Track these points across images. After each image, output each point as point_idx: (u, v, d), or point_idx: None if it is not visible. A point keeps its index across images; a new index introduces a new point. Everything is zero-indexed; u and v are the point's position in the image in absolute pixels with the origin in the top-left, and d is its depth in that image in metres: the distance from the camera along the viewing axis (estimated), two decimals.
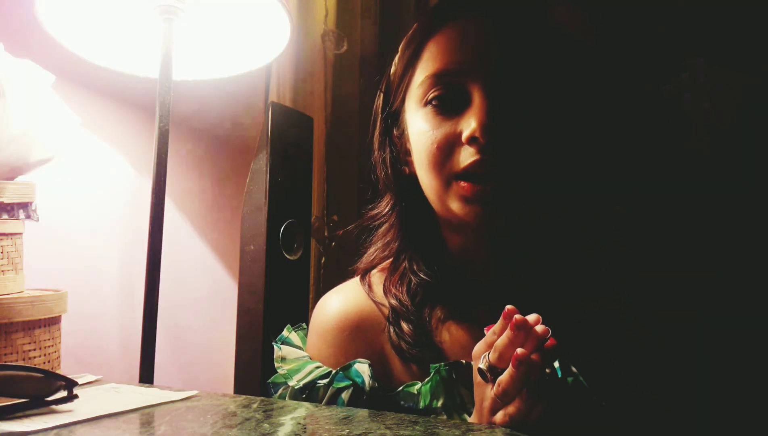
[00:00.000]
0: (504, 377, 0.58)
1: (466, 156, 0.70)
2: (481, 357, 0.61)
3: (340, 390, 0.71)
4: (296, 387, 0.73)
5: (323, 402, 0.71)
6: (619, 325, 0.78)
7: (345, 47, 1.32)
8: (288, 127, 1.14)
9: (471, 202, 0.70)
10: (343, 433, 0.55)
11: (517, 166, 0.71)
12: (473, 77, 0.71)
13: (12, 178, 0.82)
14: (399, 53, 0.80)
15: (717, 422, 0.91)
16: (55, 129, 0.84)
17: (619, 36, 1.15)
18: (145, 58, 1.06)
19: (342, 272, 0.89)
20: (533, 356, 0.56)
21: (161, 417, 0.61)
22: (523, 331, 0.57)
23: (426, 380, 0.71)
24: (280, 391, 0.75)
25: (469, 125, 0.69)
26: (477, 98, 0.70)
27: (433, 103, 0.73)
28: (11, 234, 0.80)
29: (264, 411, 0.63)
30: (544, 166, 0.74)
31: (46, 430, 0.55)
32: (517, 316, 0.58)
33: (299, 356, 0.78)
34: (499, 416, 0.59)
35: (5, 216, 0.79)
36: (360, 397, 0.70)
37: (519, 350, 0.56)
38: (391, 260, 0.81)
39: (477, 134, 0.68)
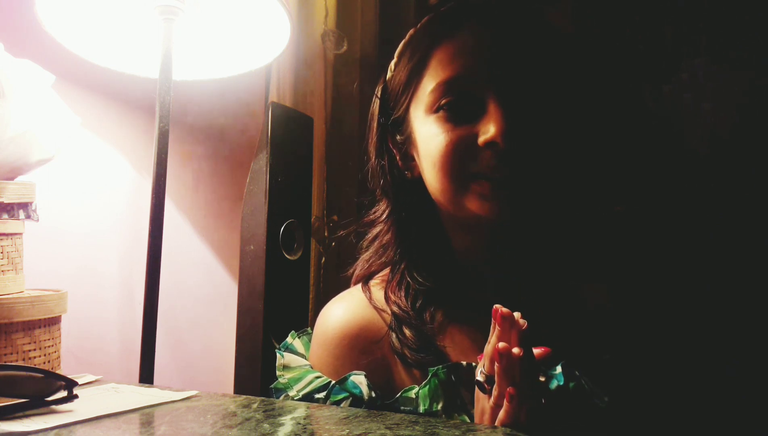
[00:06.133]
0: (495, 378, 0.58)
1: (482, 159, 0.71)
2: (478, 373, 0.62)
3: (339, 402, 0.71)
4: (295, 397, 0.73)
5: None
6: (618, 323, 0.78)
7: (345, 47, 1.31)
8: (288, 127, 1.14)
9: (489, 199, 0.71)
10: (343, 433, 0.55)
11: (531, 169, 0.72)
12: (486, 84, 0.72)
13: (12, 178, 0.82)
14: (395, 59, 0.80)
15: (717, 422, 0.91)
16: (55, 129, 0.84)
17: (620, 36, 1.15)
18: (145, 58, 1.06)
19: (342, 273, 0.89)
20: (514, 350, 0.57)
21: (161, 417, 0.61)
22: (507, 323, 0.58)
23: (423, 383, 0.71)
24: (281, 398, 0.75)
25: (487, 130, 0.70)
26: (492, 105, 0.71)
27: (445, 109, 0.73)
28: (11, 234, 0.80)
29: (264, 411, 0.63)
30: (555, 168, 0.75)
31: (46, 430, 0.55)
32: (503, 309, 0.59)
33: (301, 364, 0.78)
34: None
35: (5, 216, 0.79)
36: (359, 407, 0.70)
37: (500, 344, 0.57)
38: (390, 266, 0.81)
39: (497, 139, 0.69)
